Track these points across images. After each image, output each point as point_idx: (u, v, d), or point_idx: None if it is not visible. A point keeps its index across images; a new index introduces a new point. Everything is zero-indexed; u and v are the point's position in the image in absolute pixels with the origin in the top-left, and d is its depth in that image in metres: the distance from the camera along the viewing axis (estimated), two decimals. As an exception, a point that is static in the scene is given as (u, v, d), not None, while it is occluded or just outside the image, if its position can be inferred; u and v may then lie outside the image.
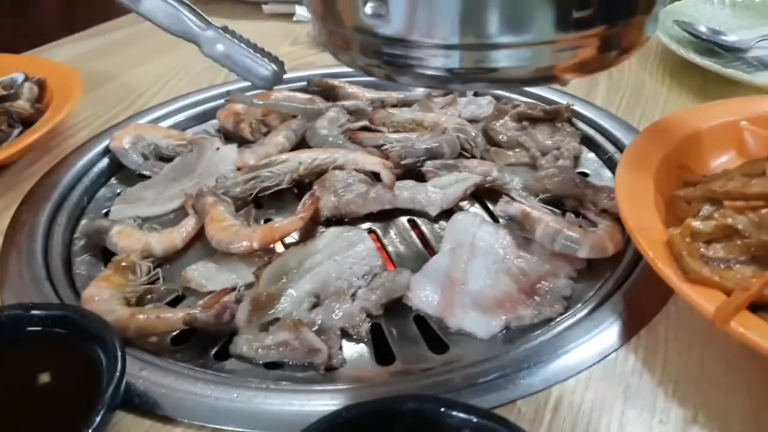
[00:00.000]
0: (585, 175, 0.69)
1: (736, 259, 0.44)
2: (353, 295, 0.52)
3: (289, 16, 1.19)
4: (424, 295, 0.52)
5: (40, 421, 0.40)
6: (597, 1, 0.30)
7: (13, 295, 0.54)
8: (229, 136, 0.77)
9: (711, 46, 0.90)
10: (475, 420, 0.35)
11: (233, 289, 0.53)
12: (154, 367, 0.46)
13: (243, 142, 0.74)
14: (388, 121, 0.77)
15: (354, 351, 0.49)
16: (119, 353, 0.41)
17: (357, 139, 0.73)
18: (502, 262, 0.54)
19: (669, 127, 0.60)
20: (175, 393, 0.44)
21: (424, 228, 0.62)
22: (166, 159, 0.74)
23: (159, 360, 0.47)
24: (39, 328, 0.44)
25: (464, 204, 0.65)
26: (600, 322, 0.48)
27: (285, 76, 0.89)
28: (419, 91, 0.84)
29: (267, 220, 0.63)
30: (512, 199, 0.60)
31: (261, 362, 0.48)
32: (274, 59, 0.56)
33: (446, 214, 0.62)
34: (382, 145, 0.71)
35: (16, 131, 0.74)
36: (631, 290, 0.51)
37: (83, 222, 0.64)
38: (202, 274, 0.56)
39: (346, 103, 0.79)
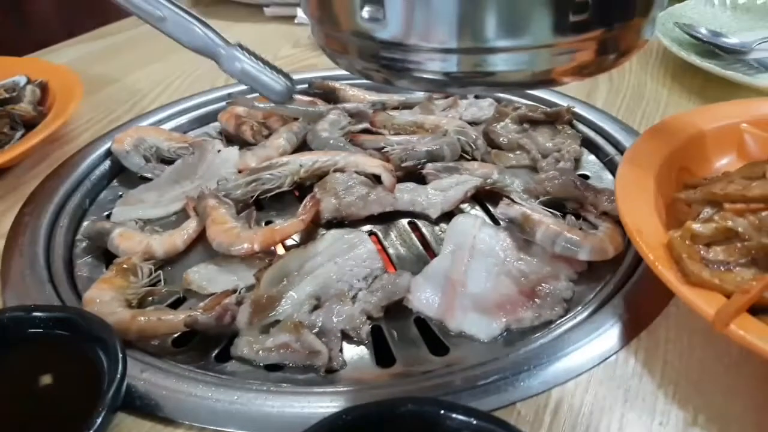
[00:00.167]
0: (585, 177, 0.69)
1: (736, 262, 0.44)
2: (354, 298, 0.53)
3: (290, 19, 1.19)
4: (425, 297, 0.52)
5: (41, 422, 0.40)
6: (594, 5, 0.30)
7: (15, 297, 0.54)
8: (230, 139, 0.78)
9: (712, 48, 0.90)
10: (474, 422, 0.35)
11: (234, 291, 0.53)
12: (155, 368, 0.46)
13: (244, 145, 0.74)
14: (389, 123, 0.77)
15: (354, 353, 0.49)
16: (120, 355, 0.41)
17: (358, 142, 0.74)
18: (503, 264, 0.54)
19: (669, 129, 0.60)
20: (176, 395, 0.44)
21: (424, 230, 0.62)
22: (167, 161, 0.74)
23: (160, 362, 0.47)
24: (41, 330, 0.45)
25: (465, 206, 0.65)
26: (600, 325, 0.48)
27: (286, 79, 0.90)
28: (420, 94, 0.84)
29: (268, 223, 0.63)
30: (513, 201, 0.60)
31: (262, 364, 0.48)
32: (286, 75, 0.58)
33: (447, 216, 0.62)
34: (383, 147, 0.71)
35: (18, 134, 0.75)
36: (631, 293, 0.51)
37: (85, 224, 0.65)
38: (203, 276, 0.56)
39: (347, 105, 0.80)
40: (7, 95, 0.79)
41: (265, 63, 0.58)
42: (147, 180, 0.71)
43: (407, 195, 0.63)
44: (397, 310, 0.52)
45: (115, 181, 0.73)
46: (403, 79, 0.34)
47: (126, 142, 0.73)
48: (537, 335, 0.49)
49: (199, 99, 0.86)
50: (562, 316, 0.51)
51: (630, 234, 0.47)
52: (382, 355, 0.49)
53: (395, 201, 0.63)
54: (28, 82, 0.83)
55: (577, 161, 0.70)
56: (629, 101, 0.83)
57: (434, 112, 0.80)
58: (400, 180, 0.66)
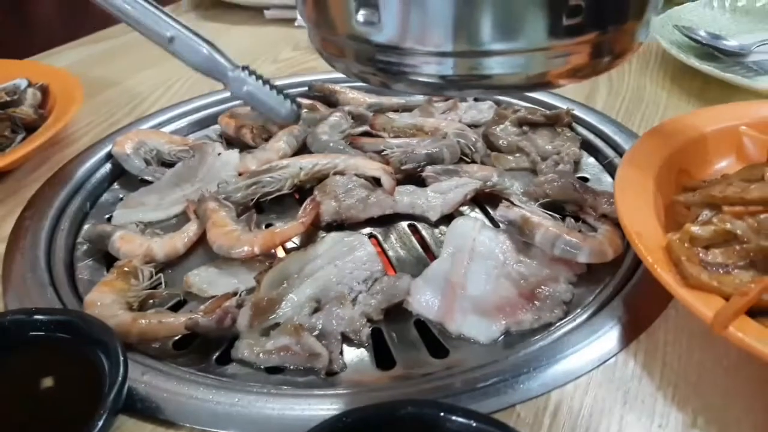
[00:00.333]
0: (585, 179, 0.69)
1: (735, 264, 0.44)
2: (354, 300, 0.53)
3: (290, 21, 1.19)
4: (425, 299, 0.53)
5: (42, 425, 0.40)
6: (588, 9, 0.30)
7: (17, 300, 0.54)
8: (230, 142, 0.78)
9: (711, 50, 0.91)
10: (474, 424, 0.35)
11: (234, 293, 0.53)
12: (155, 371, 0.46)
13: (244, 148, 0.74)
14: (388, 126, 0.77)
15: (354, 356, 0.49)
16: (121, 358, 0.41)
17: (358, 145, 0.74)
18: (502, 266, 0.54)
19: (668, 131, 0.60)
20: (176, 397, 0.44)
21: (424, 233, 0.62)
22: (167, 164, 0.75)
23: (161, 364, 0.47)
24: (42, 333, 0.45)
25: (464, 209, 0.65)
26: (599, 327, 0.49)
27: (287, 81, 0.91)
28: (420, 97, 0.84)
29: (268, 225, 0.63)
30: (512, 204, 0.60)
31: (262, 367, 0.48)
32: (293, 99, 0.59)
33: (446, 219, 0.62)
34: (383, 150, 0.71)
35: (19, 137, 0.75)
36: (630, 295, 0.52)
37: (86, 227, 0.65)
38: (203, 279, 0.56)
39: (350, 107, 0.80)
40: (8, 98, 0.79)
41: (272, 86, 0.59)
42: (147, 183, 0.72)
43: (407, 198, 0.64)
44: (397, 312, 0.53)
45: (115, 184, 0.73)
46: (400, 83, 0.34)
47: (126, 145, 0.73)
48: (536, 338, 0.49)
49: (200, 102, 0.86)
50: (561, 319, 0.51)
51: (629, 236, 0.47)
52: (382, 357, 0.49)
53: (395, 204, 0.63)
54: (29, 85, 0.83)
55: (576, 164, 0.71)
56: (628, 104, 0.83)
57: (434, 114, 0.80)
58: (399, 183, 0.66)
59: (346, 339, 0.50)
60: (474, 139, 0.72)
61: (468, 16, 0.30)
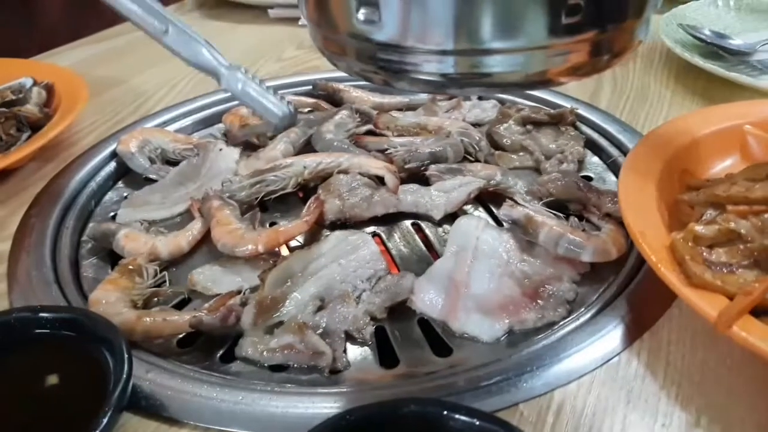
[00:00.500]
0: (589, 178, 0.69)
1: (739, 264, 0.44)
2: (357, 299, 0.53)
3: (294, 21, 1.20)
4: (428, 298, 0.53)
5: (47, 422, 0.41)
6: (587, 7, 0.30)
7: (22, 298, 0.54)
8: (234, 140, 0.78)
9: (715, 49, 0.91)
10: (477, 423, 0.35)
11: (238, 292, 0.53)
12: (160, 369, 0.46)
13: (248, 146, 0.74)
14: (392, 125, 0.77)
15: (358, 354, 0.50)
16: (126, 355, 0.41)
17: (362, 144, 0.74)
18: (506, 265, 0.54)
19: (673, 130, 0.60)
20: (181, 395, 0.44)
21: (428, 231, 0.62)
22: (172, 163, 0.75)
23: (165, 362, 0.48)
24: (47, 331, 0.45)
25: (468, 208, 0.65)
26: (603, 326, 0.49)
27: (290, 80, 0.91)
28: (423, 95, 0.84)
29: (272, 224, 0.64)
30: (516, 202, 0.60)
31: (266, 365, 0.48)
32: (288, 102, 0.59)
33: (450, 217, 0.62)
34: (387, 149, 0.71)
35: (24, 135, 0.75)
36: (634, 294, 0.52)
37: (90, 225, 0.65)
38: (207, 277, 0.56)
39: (355, 106, 0.80)
40: (13, 97, 0.79)
41: (267, 88, 0.58)
42: (152, 181, 0.72)
43: (410, 196, 0.64)
44: (400, 311, 0.53)
45: (120, 182, 0.73)
46: (402, 81, 0.34)
47: (131, 144, 0.74)
48: (540, 336, 0.49)
49: (204, 101, 0.86)
50: (565, 318, 0.51)
51: (633, 236, 0.47)
52: (386, 356, 0.49)
53: (398, 202, 0.63)
54: (34, 84, 0.83)
55: (580, 163, 0.71)
56: (632, 103, 0.83)
57: (437, 113, 0.80)
58: (403, 181, 0.66)
59: (349, 337, 0.50)
60: (478, 138, 0.72)
61: (468, 14, 0.30)
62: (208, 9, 1.29)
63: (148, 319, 0.50)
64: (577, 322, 0.50)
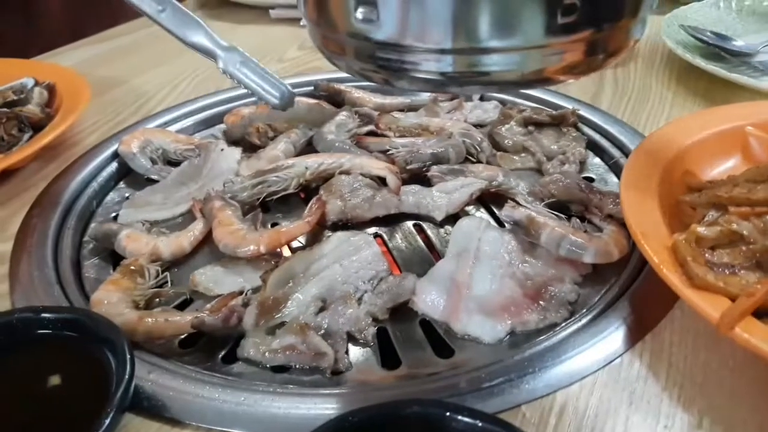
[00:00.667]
0: (590, 180, 0.69)
1: (741, 265, 0.44)
2: (359, 300, 0.53)
3: (295, 21, 1.19)
4: (430, 299, 0.53)
5: (49, 423, 0.41)
6: (583, 7, 0.30)
7: (24, 298, 0.54)
8: (235, 141, 0.78)
9: (717, 50, 0.90)
10: (480, 424, 0.35)
11: (240, 292, 0.53)
12: (162, 370, 0.46)
13: (249, 147, 0.75)
14: (394, 126, 0.77)
15: (360, 355, 0.50)
16: (128, 356, 0.41)
17: (363, 144, 0.74)
18: (508, 266, 0.54)
19: (674, 131, 0.60)
20: (182, 396, 0.44)
21: (429, 232, 0.62)
22: (173, 163, 0.75)
23: (167, 363, 0.48)
24: (49, 331, 0.45)
25: (470, 209, 0.65)
26: (605, 327, 0.49)
27: (292, 80, 0.91)
28: (425, 96, 0.84)
29: (274, 225, 0.64)
30: (518, 203, 0.60)
31: (268, 366, 0.48)
32: (285, 85, 0.58)
33: (452, 218, 0.62)
34: (388, 150, 0.71)
35: (26, 136, 0.75)
36: (636, 295, 0.52)
37: (92, 226, 0.65)
38: (209, 277, 0.56)
39: (356, 107, 0.80)
40: (15, 97, 0.79)
41: (263, 69, 0.57)
42: (153, 182, 0.72)
43: (412, 197, 0.64)
44: (402, 312, 0.53)
45: (121, 182, 0.74)
46: (401, 80, 0.34)
47: (133, 144, 0.74)
48: (542, 338, 0.49)
49: (205, 101, 0.86)
50: (566, 319, 0.51)
51: (635, 237, 0.47)
52: (388, 357, 0.49)
53: (400, 203, 0.63)
54: (36, 84, 0.83)
55: (582, 164, 0.71)
56: (634, 104, 0.83)
57: (439, 114, 0.80)
58: (405, 182, 0.66)
59: (351, 338, 0.50)
60: (479, 139, 0.72)
61: (465, 13, 0.30)
62: (209, 9, 1.29)
63: (150, 319, 0.50)
64: (579, 324, 0.50)
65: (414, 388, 0.45)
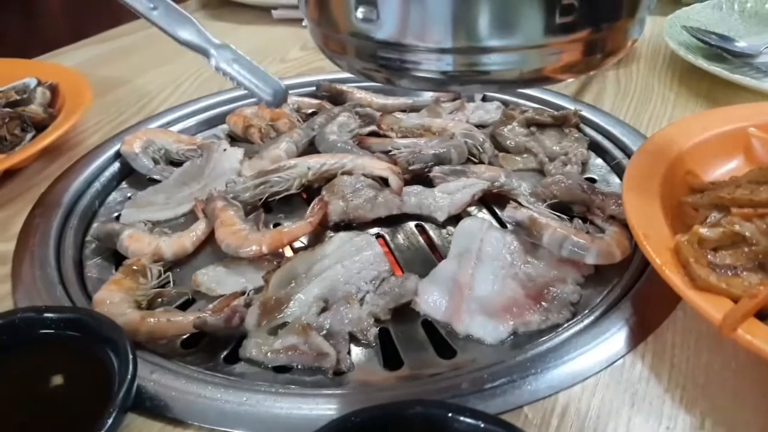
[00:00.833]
0: (593, 180, 0.69)
1: (744, 267, 0.44)
2: (361, 300, 0.53)
3: (297, 21, 1.20)
4: (432, 300, 0.53)
5: (52, 423, 0.41)
6: (581, 7, 0.31)
7: (26, 298, 0.54)
8: (238, 141, 0.78)
9: (719, 51, 0.90)
10: (482, 425, 0.35)
11: (243, 293, 0.53)
12: (164, 370, 0.46)
13: (251, 147, 0.75)
14: (396, 126, 0.77)
15: (362, 355, 0.50)
16: (130, 356, 0.41)
17: (365, 145, 0.74)
18: (510, 267, 0.54)
19: (677, 132, 0.60)
20: (185, 396, 0.44)
21: (431, 233, 0.62)
22: (176, 163, 0.75)
23: (169, 363, 0.48)
24: (52, 331, 0.45)
25: (472, 209, 0.65)
26: (607, 329, 0.49)
27: (294, 81, 0.91)
28: (427, 97, 0.84)
29: (276, 225, 0.64)
30: (520, 204, 0.60)
31: (270, 366, 0.48)
32: (278, 82, 0.58)
33: (454, 219, 0.62)
34: (390, 150, 0.71)
35: (29, 136, 0.75)
36: (638, 296, 0.52)
37: (94, 225, 0.65)
38: (211, 278, 0.56)
39: (358, 108, 0.80)
40: (17, 97, 0.79)
41: (256, 66, 0.57)
42: (156, 182, 0.72)
43: (414, 198, 0.64)
44: (404, 312, 0.53)
45: (124, 182, 0.74)
46: (403, 79, 0.35)
47: (135, 144, 0.74)
48: (544, 339, 0.49)
49: (208, 101, 0.86)
50: (569, 320, 0.51)
51: (637, 238, 0.47)
52: (390, 357, 0.49)
53: (402, 204, 0.63)
54: (39, 84, 0.83)
55: (584, 165, 0.71)
56: (636, 104, 0.83)
57: (441, 115, 0.80)
58: (407, 183, 0.66)
59: (353, 339, 0.50)
60: (481, 140, 0.72)
61: (465, 13, 0.30)
62: (211, 9, 1.29)
63: (152, 319, 0.50)
64: (581, 325, 0.50)
65: (416, 389, 0.45)
